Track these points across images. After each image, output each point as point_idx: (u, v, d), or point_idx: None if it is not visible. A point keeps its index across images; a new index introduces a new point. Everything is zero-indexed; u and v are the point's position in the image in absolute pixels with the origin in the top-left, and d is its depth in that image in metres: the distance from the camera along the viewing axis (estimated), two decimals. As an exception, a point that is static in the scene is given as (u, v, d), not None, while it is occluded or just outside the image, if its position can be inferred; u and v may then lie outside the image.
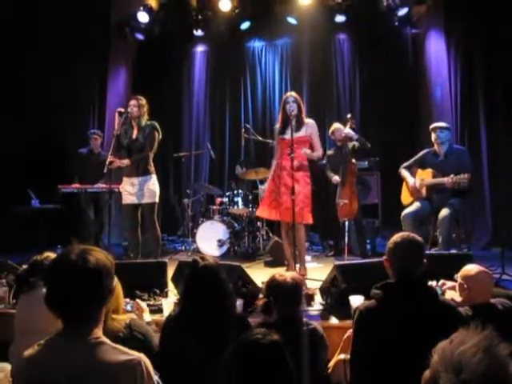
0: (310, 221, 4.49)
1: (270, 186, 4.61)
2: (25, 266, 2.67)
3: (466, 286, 2.35)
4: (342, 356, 2.24)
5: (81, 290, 1.45)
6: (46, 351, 1.45)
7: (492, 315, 2.14)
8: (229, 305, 2.16)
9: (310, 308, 3.39)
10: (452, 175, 4.32)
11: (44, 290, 2.33)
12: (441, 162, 4.66)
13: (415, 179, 4.73)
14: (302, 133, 4.39)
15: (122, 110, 4.70)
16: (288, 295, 2.26)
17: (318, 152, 4.53)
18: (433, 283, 2.84)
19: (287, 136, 4.32)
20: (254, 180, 6.57)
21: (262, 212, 4.67)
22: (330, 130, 5.99)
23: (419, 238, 2.11)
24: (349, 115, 5.63)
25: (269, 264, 5.39)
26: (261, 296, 3.57)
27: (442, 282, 2.82)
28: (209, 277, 2.12)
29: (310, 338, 2.18)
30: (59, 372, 1.40)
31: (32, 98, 6.45)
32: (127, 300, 2.97)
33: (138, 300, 2.95)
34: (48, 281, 1.52)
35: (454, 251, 4.41)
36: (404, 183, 4.93)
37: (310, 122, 4.49)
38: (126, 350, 1.47)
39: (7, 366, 2.25)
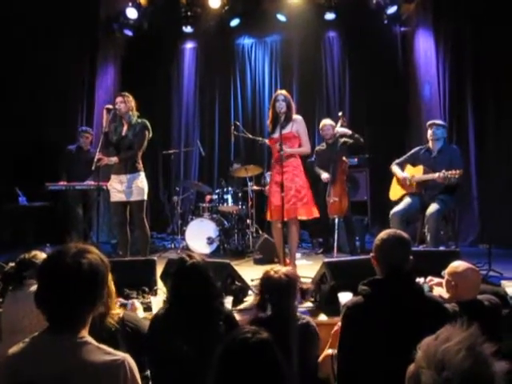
0: (315, 214, 4.42)
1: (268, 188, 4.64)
2: (12, 264, 2.64)
3: (453, 282, 2.37)
4: (330, 351, 2.25)
5: (72, 292, 1.43)
6: (30, 350, 1.44)
7: (479, 312, 2.17)
8: (216, 303, 2.15)
9: (303, 303, 3.40)
10: (443, 171, 4.36)
11: (31, 289, 2.33)
12: (434, 158, 4.69)
13: (405, 173, 4.77)
14: (287, 129, 4.35)
15: (110, 106, 4.65)
16: (283, 291, 2.27)
17: (304, 148, 4.44)
18: (420, 280, 2.87)
19: (275, 135, 4.32)
20: (243, 177, 6.56)
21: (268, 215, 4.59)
22: (320, 126, 5.99)
23: (405, 235, 2.13)
24: (340, 113, 5.65)
25: (258, 261, 5.39)
26: (250, 293, 3.59)
27: (429, 278, 2.85)
28: (196, 275, 2.11)
29: (303, 332, 2.20)
30: (42, 371, 1.39)
31: (20, 95, 6.39)
32: (121, 300, 3.02)
33: (134, 301, 3.04)
34: (40, 278, 1.49)
35: (441, 248, 4.45)
36: (394, 179, 4.95)
37: (297, 118, 4.43)
38: (110, 350, 1.45)
39: None
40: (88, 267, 1.46)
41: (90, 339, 1.46)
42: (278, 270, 2.34)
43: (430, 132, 4.74)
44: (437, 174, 4.40)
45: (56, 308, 1.45)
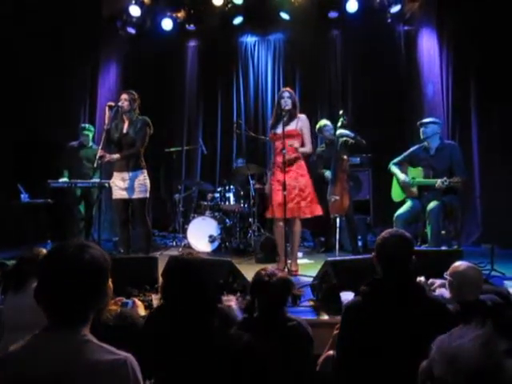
0: (319, 212, 4.52)
1: (269, 185, 4.64)
2: (13, 262, 2.65)
3: (454, 282, 2.36)
4: (331, 352, 2.24)
5: (73, 286, 1.40)
6: (31, 348, 1.42)
7: (481, 312, 2.16)
8: (210, 301, 2.08)
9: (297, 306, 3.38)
10: (445, 178, 4.34)
11: (33, 286, 2.33)
12: (432, 157, 4.69)
13: (406, 175, 4.76)
14: (292, 126, 4.43)
15: (113, 103, 4.66)
16: (272, 297, 2.18)
17: (307, 147, 4.54)
18: (421, 279, 2.86)
19: (279, 130, 4.36)
20: (246, 176, 6.54)
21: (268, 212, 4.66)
22: (317, 127, 5.98)
23: (408, 235, 2.12)
24: (341, 112, 5.62)
25: (260, 260, 5.38)
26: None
27: (431, 281, 2.84)
28: (186, 274, 2.07)
29: (291, 334, 2.13)
30: (43, 370, 1.36)
31: (22, 93, 6.38)
32: (123, 299, 3.02)
33: (135, 299, 3.04)
34: (41, 272, 1.47)
35: (444, 248, 4.44)
36: (394, 179, 4.95)
37: (301, 116, 4.52)
38: (112, 349, 1.42)
39: None
40: (90, 260, 1.43)
41: (91, 337, 1.44)
42: (271, 273, 2.21)
43: (421, 131, 4.76)
44: (438, 182, 4.38)
45: (57, 304, 1.42)
